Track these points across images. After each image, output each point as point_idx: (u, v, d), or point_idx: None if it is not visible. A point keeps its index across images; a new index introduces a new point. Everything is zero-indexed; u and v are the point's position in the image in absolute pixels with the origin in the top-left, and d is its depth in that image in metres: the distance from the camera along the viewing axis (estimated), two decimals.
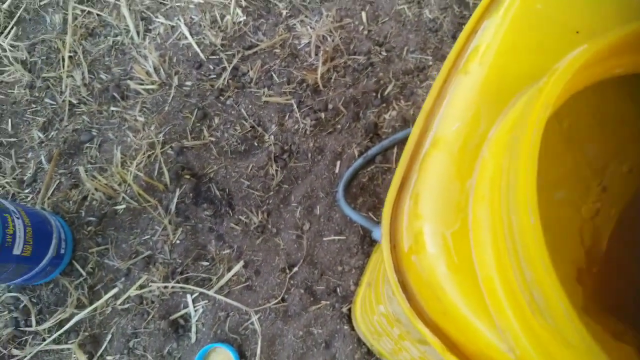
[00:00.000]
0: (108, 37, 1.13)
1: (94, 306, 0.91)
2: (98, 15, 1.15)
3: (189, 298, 0.91)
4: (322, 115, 0.99)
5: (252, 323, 0.89)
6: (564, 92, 0.25)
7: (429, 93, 0.34)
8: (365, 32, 1.07)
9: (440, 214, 0.28)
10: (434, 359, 0.44)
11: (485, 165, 0.27)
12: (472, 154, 0.28)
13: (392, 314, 0.48)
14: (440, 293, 0.27)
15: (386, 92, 1.01)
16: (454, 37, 1.04)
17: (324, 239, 0.91)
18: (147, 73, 1.06)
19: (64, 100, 1.06)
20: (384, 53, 1.04)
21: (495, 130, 0.28)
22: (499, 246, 0.24)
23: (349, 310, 0.87)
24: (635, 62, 0.26)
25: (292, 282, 0.90)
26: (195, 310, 0.91)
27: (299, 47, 1.06)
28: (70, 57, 1.10)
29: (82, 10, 1.15)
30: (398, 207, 0.32)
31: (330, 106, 1.00)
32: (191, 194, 0.95)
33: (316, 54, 1.04)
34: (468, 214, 0.27)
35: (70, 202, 0.98)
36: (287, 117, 1.00)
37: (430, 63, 1.02)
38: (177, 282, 0.92)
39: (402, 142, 0.95)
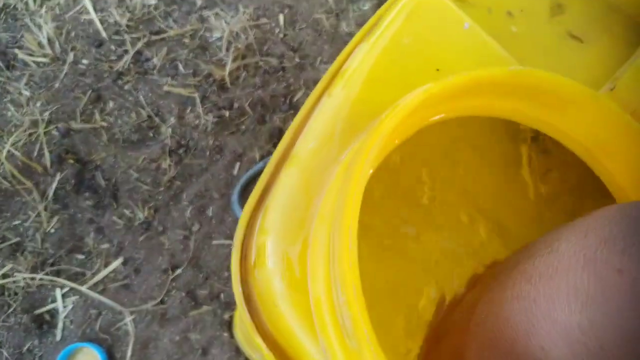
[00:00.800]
0: None
1: None
2: None
3: (58, 292, 0.85)
4: (226, 113, 0.97)
5: (125, 324, 0.84)
6: (407, 128, 0.25)
7: (300, 109, 0.34)
8: (281, 36, 1.06)
9: (285, 229, 0.28)
10: None
11: (331, 188, 0.27)
12: (322, 174, 0.28)
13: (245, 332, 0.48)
14: (274, 309, 0.27)
15: (295, 99, 1.00)
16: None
17: (213, 242, 0.89)
18: (40, 44, 0.98)
19: None
20: (297, 59, 1.04)
21: (345, 155, 0.28)
22: (329, 279, 0.24)
23: (231, 317, 0.85)
24: (478, 105, 0.27)
25: (173, 284, 0.86)
26: (65, 306, 0.85)
27: (210, 40, 1.03)
28: None
29: None
30: (254, 218, 0.32)
31: (235, 105, 0.98)
32: (73, 181, 0.89)
33: (227, 50, 1.02)
34: (310, 232, 0.27)
35: None
36: (188, 111, 0.96)
37: None
38: (47, 273, 0.85)
39: None
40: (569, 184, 0.39)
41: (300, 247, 0.27)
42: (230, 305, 0.86)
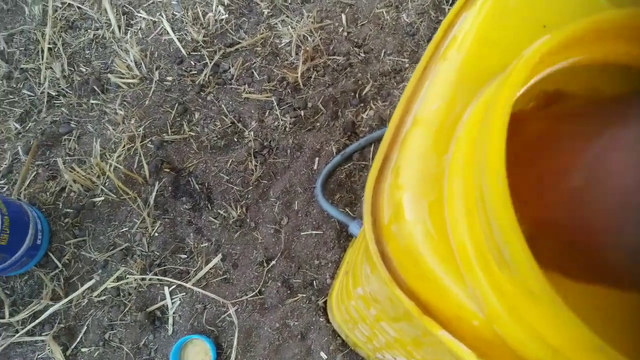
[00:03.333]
0: (89, 31, 1.13)
1: (69, 298, 0.92)
2: (79, 8, 1.15)
3: (167, 290, 0.92)
4: (302, 113, 1.01)
5: (229, 315, 0.90)
6: (530, 77, 0.28)
7: (409, 80, 0.37)
8: (345, 34, 1.10)
9: (419, 184, 0.31)
10: (408, 337, 0.46)
11: (460, 142, 0.29)
12: (449, 131, 0.31)
13: (369, 294, 0.51)
14: (418, 257, 0.29)
15: (364, 93, 1.04)
16: (430, 41, 1.08)
17: (302, 233, 0.94)
18: (128, 67, 1.07)
19: (42, 92, 1.06)
20: (362, 54, 1.07)
21: (469, 111, 0.30)
22: (471, 214, 0.27)
23: (325, 302, 0.90)
24: (601, 51, 0.29)
25: (269, 275, 0.92)
26: (173, 303, 0.92)
27: (279, 46, 1.08)
28: (49, 48, 1.10)
29: (63, 3, 1.16)
30: (379, 183, 0.35)
31: (309, 104, 1.02)
32: (170, 188, 0.97)
33: (297, 53, 1.07)
34: (444, 185, 0.30)
35: (48, 193, 0.98)
36: (267, 114, 1.02)
37: (407, 65, 1.06)
38: (155, 274, 0.93)
39: (378, 141, 0.99)
40: None
41: (434, 199, 0.30)
42: (323, 291, 0.91)
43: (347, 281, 0.63)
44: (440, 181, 0.30)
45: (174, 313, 0.92)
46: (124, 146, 1.00)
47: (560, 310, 0.22)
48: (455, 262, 0.28)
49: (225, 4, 1.13)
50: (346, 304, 0.67)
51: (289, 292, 0.91)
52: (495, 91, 0.26)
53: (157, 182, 0.97)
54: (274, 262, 0.93)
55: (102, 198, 0.97)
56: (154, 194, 0.96)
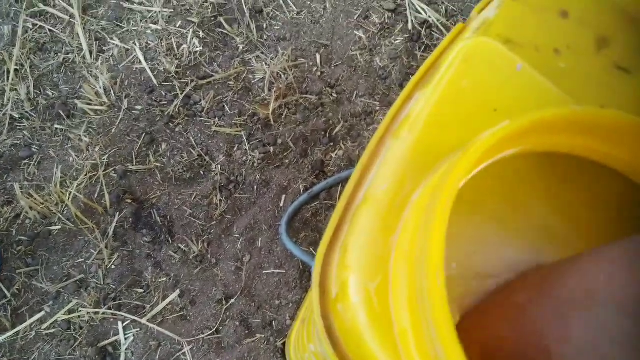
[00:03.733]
0: (59, 54, 1.12)
1: (16, 330, 0.88)
2: (50, 30, 1.14)
3: (120, 325, 0.89)
4: (271, 149, 1.01)
5: (184, 354, 0.87)
6: (478, 164, 0.28)
7: (365, 149, 0.37)
8: (319, 74, 1.12)
9: (365, 266, 0.30)
10: None
11: (407, 225, 0.30)
12: (397, 212, 0.31)
13: (320, 354, 0.50)
14: (361, 341, 0.29)
15: (334, 132, 1.05)
16: (401, 86, 1.10)
17: (264, 271, 0.92)
18: (97, 93, 1.05)
19: (4, 114, 1.03)
20: (334, 95, 1.08)
21: (417, 194, 0.31)
22: (414, 301, 0.27)
23: (283, 344, 0.88)
24: (546, 142, 0.30)
25: (228, 313, 0.90)
26: (126, 338, 0.89)
27: (253, 82, 1.09)
28: (16, 70, 1.08)
29: (34, 24, 1.14)
30: (330, 255, 0.34)
31: (279, 141, 1.02)
32: (131, 219, 0.94)
33: (269, 90, 1.07)
34: (389, 268, 0.29)
35: (1, 219, 0.94)
36: (235, 149, 1.01)
37: (377, 108, 1.07)
38: (109, 308, 0.90)
39: (346, 181, 0.99)
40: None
41: (380, 282, 0.30)
42: (282, 332, 0.89)
43: (302, 331, 0.62)
44: (387, 263, 0.30)
45: (126, 349, 0.88)
46: (86, 174, 0.98)
47: None
48: (397, 350, 0.28)
49: (201, 36, 1.13)
50: (301, 354, 0.66)
51: (247, 331, 0.89)
52: (442, 176, 0.27)
53: (118, 213, 0.95)
54: (233, 300, 0.91)
55: (59, 227, 0.94)
56: (113, 224, 0.94)
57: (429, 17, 1.14)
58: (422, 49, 1.14)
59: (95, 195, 0.96)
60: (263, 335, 0.89)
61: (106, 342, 0.88)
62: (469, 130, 0.34)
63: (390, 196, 0.32)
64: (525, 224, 0.36)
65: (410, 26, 1.14)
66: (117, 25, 1.16)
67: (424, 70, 0.41)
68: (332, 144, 1.05)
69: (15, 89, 1.06)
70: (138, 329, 0.89)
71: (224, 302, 0.90)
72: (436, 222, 0.23)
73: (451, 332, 0.22)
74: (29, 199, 0.94)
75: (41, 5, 1.16)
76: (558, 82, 0.35)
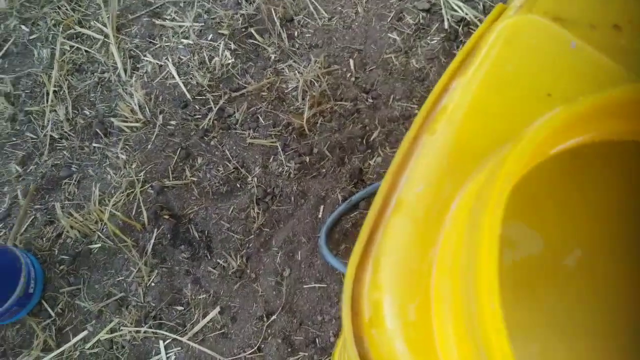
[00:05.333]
0: (95, 74, 1.13)
1: (61, 349, 0.88)
2: (86, 51, 1.15)
3: (162, 344, 0.88)
4: (307, 159, 0.99)
5: None
6: (533, 159, 0.24)
7: (398, 148, 0.34)
8: (353, 79, 1.09)
9: (401, 285, 0.26)
10: None
11: (449, 235, 0.26)
12: (436, 220, 0.27)
13: None
14: None
15: (372, 138, 1.01)
16: None
17: (304, 286, 0.89)
18: (132, 111, 1.06)
19: (45, 135, 1.05)
20: (370, 100, 1.05)
21: (459, 197, 0.27)
22: (462, 328, 0.23)
23: None
24: (612, 129, 0.26)
25: (269, 330, 0.87)
26: (167, 357, 0.87)
27: (286, 91, 1.07)
28: (55, 91, 1.10)
29: (71, 46, 1.16)
30: (362, 271, 0.30)
31: (315, 150, 1.00)
32: (169, 235, 0.94)
33: (303, 99, 1.05)
34: (431, 287, 0.26)
35: (44, 239, 0.95)
36: (271, 160, 0.99)
37: (416, 111, 1.03)
38: (150, 326, 0.89)
39: None
40: None
41: (419, 304, 0.26)
42: (326, 350, 0.86)
43: (344, 353, 0.59)
44: (427, 281, 0.26)
45: None
46: (124, 191, 0.98)
47: None
48: None
49: (232, 48, 1.12)
50: None
51: (289, 349, 0.86)
52: (489, 177, 0.23)
53: (156, 229, 0.94)
54: (274, 316, 0.88)
55: (99, 245, 0.94)
56: (152, 241, 0.93)
57: (466, 14, 1.09)
58: (460, 47, 1.09)
59: (133, 212, 0.96)
60: (307, 354, 0.85)
61: None
62: (517, 120, 0.30)
63: (426, 201, 0.28)
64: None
65: (446, 25, 1.10)
66: (150, 42, 1.16)
67: (461, 57, 0.37)
68: (369, 150, 1.01)
69: (55, 110, 1.08)
70: (179, 348, 0.88)
71: (265, 318, 0.88)
72: (485, 232, 0.20)
73: None
74: (69, 218, 0.94)
75: (77, 28, 1.18)
76: (621, 61, 0.31)
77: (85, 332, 0.90)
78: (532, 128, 0.23)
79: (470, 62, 0.34)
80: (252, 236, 0.94)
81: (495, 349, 0.19)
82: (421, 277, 0.27)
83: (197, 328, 0.88)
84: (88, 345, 0.89)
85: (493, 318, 0.19)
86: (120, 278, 0.92)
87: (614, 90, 0.24)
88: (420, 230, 0.29)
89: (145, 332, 0.89)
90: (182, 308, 0.90)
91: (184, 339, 0.87)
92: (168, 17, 1.17)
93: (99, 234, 0.95)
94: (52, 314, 0.91)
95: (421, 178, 0.30)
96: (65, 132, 1.06)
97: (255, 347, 0.87)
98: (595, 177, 0.32)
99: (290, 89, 1.08)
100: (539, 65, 0.32)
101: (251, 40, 1.14)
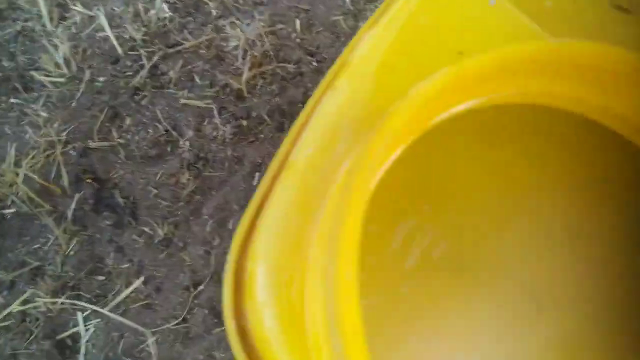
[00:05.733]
0: (17, 22, 1.04)
1: None
2: None
3: (80, 316, 0.82)
4: (244, 123, 0.94)
5: (148, 345, 0.81)
6: (416, 125, 0.21)
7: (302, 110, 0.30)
8: (298, 40, 1.03)
9: (279, 255, 0.23)
10: None
11: (331, 203, 0.22)
12: (323, 186, 0.24)
13: None
14: (268, 345, 0.22)
15: None
16: None
17: None
18: (56, 64, 0.97)
19: None
20: (315, 63, 1.00)
21: (346, 165, 0.23)
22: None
23: None
24: (511, 89, 0.22)
25: (196, 301, 0.83)
26: (86, 330, 0.82)
27: (226, 50, 1.01)
28: None
29: None
30: (249, 241, 0.27)
31: (253, 114, 0.95)
32: (91, 201, 0.87)
33: (244, 58, 0.99)
34: (308, 256, 0.22)
35: None
36: (205, 123, 0.94)
37: None
38: (68, 297, 0.83)
39: None
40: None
41: (294, 276, 0.22)
42: None
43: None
44: (306, 252, 0.22)
45: (86, 342, 0.82)
46: (43, 152, 0.90)
47: None
48: (307, 355, 0.21)
49: (171, 1, 1.05)
50: None
51: (216, 320, 0.82)
52: (367, 145, 0.19)
53: (77, 194, 0.88)
54: (202, 286, 0.84)
55: (13, 210, 0.87)
56: (72, 206, 0.87)
57: None
58: None
59: (53, 175, 0.89)
60: None
61: (65, 334, 0.82)
62: (423, 79, 0.26)
63: (314, 164, 0.24)
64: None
65: None
66: None
67: (379, 13, 0.33)
68: None
69: None
70: (99, 319, 0.83)
71: (191, 289, 0.84)
72: (351, 208, 0.16)
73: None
74: None
75: None
76: (542, 22, 0.27)
77: None
78: (415, 88, 0.19)
79: (383, 15, 0.30)
80: (182, 203, 0.88)
81: (347, 323, 0.16)
82: (299, 247, 0.24)
83: (119, 299, 0.83)
84: None
85: (349, 290, 0.16)
86: (37, 246, 0.86)
87: (517, 44, 0.20)
88: (305, 196, 0.25)
89: (62, 303, 0.83)
90: (103, 278, 0.85)
91: (104, 311, 0.82)
92: None
93: (14, 198, 0.87)
94: None
95: (313, 139, 0.26)
96: None
97: (181, 318, 0.82)
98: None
99: (230, 48, 1.01)
100: (454, 21, 0.28)
101: None
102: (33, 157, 0.89)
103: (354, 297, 0.15)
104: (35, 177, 0.87)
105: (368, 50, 0.28)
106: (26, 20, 1.04)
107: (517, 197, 0.29)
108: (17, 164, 0.90)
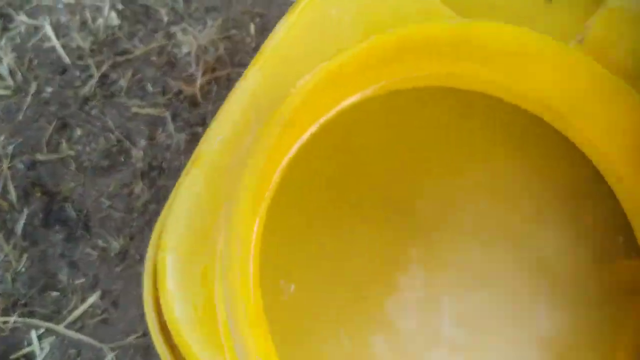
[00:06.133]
0: None
1: None
2: None
3: (34, 334, 0.80)
4: (199, 129, 0.93)
5: None
6: (317, 114, 0.21)
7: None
8: (253, 45, 1.03)
9: (187, 244, 0.24)
10: None
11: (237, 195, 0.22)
12: (234, 172, 0.24)
13: None
14: (179, 338, 0.22)
15: None
16: None
17: None
18: (1, 76, 0.94)
19: None
20: None
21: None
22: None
23: None
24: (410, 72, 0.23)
25: None
26: (41, 349, 0.80)
27: (178, 56, 1.00)
28: None
29: None
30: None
31: (208, 120, 0.94)
32: (41, 215, 0.85)
33: (197, 65, 0.98)
34: (217, 247, 0.22)
35: None
36: (159, 131, 0.92)
37: None
38: (20, 315, 0.81)
39: None
40: None
41: (204, 265, 0.23)
42: None
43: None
44: (213, 237, 0.23)
45: None
46: None
47: None
48: (219, 344, 0.21)
49: (119, 9, 1.03)
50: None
51: None
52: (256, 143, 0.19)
53: (26, 209, 0.85)
54: None
55: None
56: (21, 222, 0.85)
57: None
58: None
59: (0, 190, 0.86)
60: None
61: (19, 353, 0.80)
62: None
63: (224, 152, 0.25)
64: None
65: None
66: (25, 1, 1.04)
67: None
68: None
69: None
70: (54, 337, 0.81)
71: None
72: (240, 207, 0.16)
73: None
74: None
75: None
76: (457, 9, 0.28)
77: None
78: (305, 78, 0.20)
79: (298, 4, 0.31)
80: (136, 214, 0.87)
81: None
82: (209, 238, 0.25)
83: (74, 315, 0.81)
84: None
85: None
86: None
87: (420, 25, 0.21)
88: (215, 183, 0.26)
89: (14, 321, 0.81)
90: (57, 294, 0.83)
91: (60, 327, 0.80)
92: None
93: None
94: None
95: (223, 127, 0.27)
96: None
97: (141, 332, 0.81)
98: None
99: (183, 54, 1.00)
100: (366, 10, 0.29)
101: (141, 1, 1.05)
102: None
103: (248, 286, 0.16)
104: None
105: (280, 39, 0.29)
106: None
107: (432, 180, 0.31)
108: None
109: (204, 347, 0.21)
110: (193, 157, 0.26)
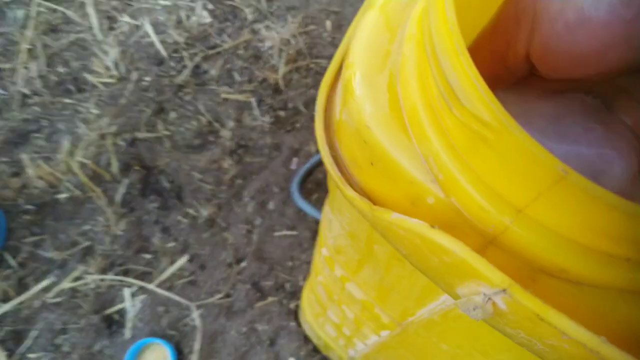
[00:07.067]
0: (70, 34, 1.14)
1: (20, 298, 0.87)
2: (63, 12, 1.16)
3: (127, 292, 0.87)
4: (282, 113, 1.00)
5: (192, 319, 0.85)
6: None
7: None
8: (329, 39, 1.11)
9: (371, 60, 0.28)
10: (374, 288, 0.42)
11: (417, 12, 0.27)
12: (404, 8, 0.29)
13: (332, 246, 0.47)
14: (367, 136, 0.27)
15: None
16: None
17: (275, 233, 0.90)
18: (106, 67, 1.07)
19: (16, 90, 1.05)
20: None
21: None
22: (422, 72, 0.24)
23: (297, 306, 0.84)
24: None
25: (238, 277, 0.87)
26: (133, 305, 0.87)
27: (262, 49, 1.09)
28: (29, 49, 1.11)
29: (48, 8, 1.17)
30: (333, 92, 0.32)
31: (290, 105, 1.01)
32: (139, 185, 0.94)
33: (279, 56, 1.07)
34: (397, 58, 0.27)
35: (9, 189, 0.95)
36: (246, 114, 1.00)
37: None
38: (116, 274, 0.88)
39: None
40: None
41: (388, 76, 0.27)
42: (295, 294, 0.86)
43: (315, 258, 0.60)
44: (394, 55, 0.28)
45: (133, 316, 0.86)
46: (94, 143, 0.98)
47: (521, 142, 0.18)
48: (406, 132, 0.25)
49: (210, 8, 1.14)
50: (315, 289, 0.63)
51: (259, 294, 0.86)
52: None
53: (126, 179, 0.94)
54: (244, 263, 0.88)
55: (67, 195, 0.94)
56: (121, 191, 0.93)
57: None
58: None
59: (104, 163, 0.96)
60: (276, 298, 0.85)
61: (112, 309, 0.87)
62: None
63: None
64: None
65: None
66: (127, 4, 1.18)
67: None
68: None
69: (26, 67, 1.08)
70: (145, 295, 0.87)
71: (234, 265, 0.88)
72: None
73: (464, 55, 0.19)
74: (37, 168, 0.94)
75: None
76: None
77: (47, 281, 0.89)
78: None
79: None
80: (224, 187, 0.94)
81: (448, 43, 0.20)
82: (389, 54, 0.29)
83: (164, 275, 0.88)
84: (50, 294, 0.88)
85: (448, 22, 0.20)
86: (87, 227, 0.92)
87: None
88: (389, 17, 0.31)
89: (111, 279, 0.88)
90: (150, 256, 0.90)
91: (151, 286, 0.87)
92: None
93: (67, 184, 0.95)
94: (14, 263, 0.90)
95: None
96: (38, 88, 1.06)
97: (224, 293, 0.86)
98: None
99: (266, 48, 1.09)
100: None
101: (229, 2, 1.16)
102: (86, 148, 0.97)
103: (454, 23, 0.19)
104: (89, 162, 0.95)
105: None
106: (79, 32, 1.15)
107: None
108: (70, 154, 0.97)
109: (390, 137, 0.25)
110: (366, 6, 0.31)
